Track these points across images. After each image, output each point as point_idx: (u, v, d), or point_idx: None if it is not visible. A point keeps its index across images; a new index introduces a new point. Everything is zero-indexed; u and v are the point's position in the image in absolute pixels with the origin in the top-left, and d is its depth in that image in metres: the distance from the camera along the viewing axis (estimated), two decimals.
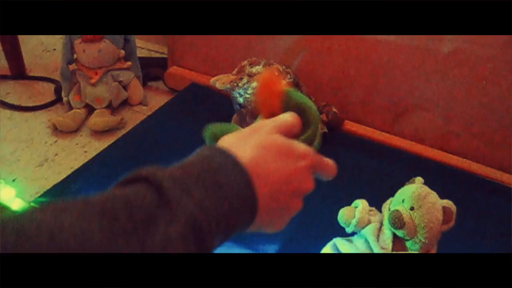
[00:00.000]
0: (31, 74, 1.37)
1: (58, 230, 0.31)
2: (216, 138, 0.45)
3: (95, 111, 1.18)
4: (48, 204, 0.33)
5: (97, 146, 1.12)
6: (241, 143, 0.41)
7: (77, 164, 1.03)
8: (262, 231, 0.43)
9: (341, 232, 0.78)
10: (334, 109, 1.09)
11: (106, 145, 1.08)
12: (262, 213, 0.40)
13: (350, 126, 1.12)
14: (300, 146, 0.44)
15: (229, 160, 0.39)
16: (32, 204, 0.90)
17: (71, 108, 1.20)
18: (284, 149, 0.42)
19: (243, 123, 0.97)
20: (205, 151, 0.40)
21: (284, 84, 0.48)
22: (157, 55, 1.45)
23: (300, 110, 0.48)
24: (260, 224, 0.41)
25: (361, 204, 0.76)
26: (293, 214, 0.44)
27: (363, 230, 0.74)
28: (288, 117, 0.46)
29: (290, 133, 0.45)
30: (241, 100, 0.93)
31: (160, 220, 0.34)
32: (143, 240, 0.33)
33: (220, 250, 0.40)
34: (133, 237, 0.33)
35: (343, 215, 0.76)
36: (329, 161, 0.48)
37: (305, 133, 0.48)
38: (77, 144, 1.14)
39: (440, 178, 0.92)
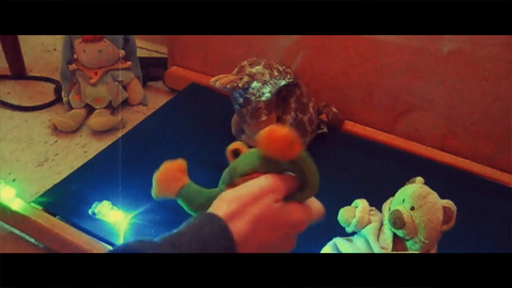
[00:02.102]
0: (31, 74, 1.37)
1: None
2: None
3: (95, 111, 1.18)
4: None
5: (97, 146, 1.12)
6: (241, 215, 0.45)
7: (77, 164, 1.03)
8: None
9: (341, 232, 0.78)
10: (334, 109, 1.09)
11: (106, 145, 1.08)
12: None
13: (350, 126, 1.12)
14: (296, 216, 0.49)
15: (223, 240, 0.43)
16: (32, 204, 0.90)
17: (71, 108, 1.20)
18: (279, 221, 0.47)
19: (243, 123, 0.97)
20: (200, 223, 0.44)
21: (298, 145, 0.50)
22: (157, 55, 1.45)
23: (302, 173, 0.52)
24: None
25: (361, 204, 0.76)
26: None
27: (363, 230, 0.74)
28: (290, 182, 0.50)
29: (288, 193, 0.50)
30: (241, 100, 0.93)
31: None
32: None
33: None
34: None
35: (343, 215, 0.76)
36: (319, 212, 0.54)
37: (303, 193, 0.52)
38: (77, 144, 1.14)
39: (440, 178, 0.92)
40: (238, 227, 0.44)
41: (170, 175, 0.54)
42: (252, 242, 0.45)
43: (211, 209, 0.46)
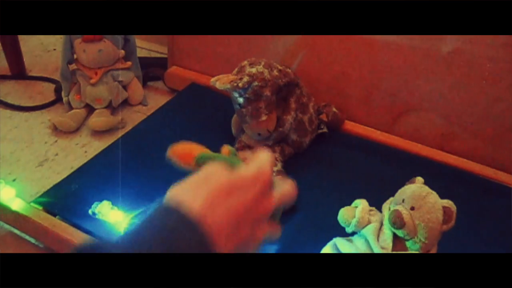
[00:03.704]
0: (31, 74, 1.37)
1: None
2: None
3: (95, 111, 1.18)
4: None
5: (97, 146, 1.12)
6: (192, 195, 0.40)
7: (77, 164, 1.03)
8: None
9: (341, 232, 0.78)
10: (334, 109, 1.09)
11: (106, 145, 1.08)
12: (221, 249, 0.39)
13: (350, 126, 1.12)
14: (247, 173, 0.43)
15: (183, 223, 0.38)
16: (32, 204, 0.90)
17: (71, 108, 1.20)
18: (230, 186, 0.41)
19: (243, 123, 0.97)
20: (157, 213, 0.39)
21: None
22: (157, 55, 1.45)
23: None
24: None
25: (361, 204, 0.76)
26: (262, 239, 0.44)
27: (363, 230, 0.74)
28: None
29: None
30: (241, 100, 0.93)
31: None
32: None
33: None
34: None
35: (343, 215, 0.76)
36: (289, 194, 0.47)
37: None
38: (77, 144, 1.14)
39: (440, 178, 0.92)
40: (192, 204, 0.39)
41: (185, 147, 0.53)
42: (216, 213, 0.39)
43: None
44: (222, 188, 0.41)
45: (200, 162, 0.50)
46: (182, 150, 0.53)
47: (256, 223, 0.42)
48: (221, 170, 0.43)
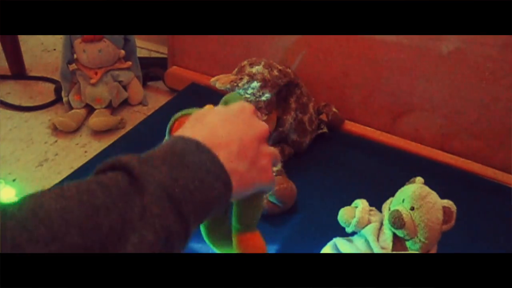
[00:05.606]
0: (31, 74, 1.37)
1: (39, 207, 0.32)
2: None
3: (95, 111, 1.18)
4: (26, 195, 0.34)
5: (97, 146, 1.12)
6: (193, 126, 0.44)
7: (77, 164, 1.03)
8: (253, 190, 0.45)
9: (341, 232, 0.78)
10: (334, 109, 1.09)
11: (106, 145, 1.08)
12: (236, 176, 0.42)
13: (350, 126, 1.12)
14: (234, 105, 0.48)
15: (189, 143, 0.41)
16: None
17: (71, 108, 1.20)
18: (224, 113, 0.46)
19: None
20: (165, 141, 0.42)
21: None
22: (157, 55, 1.45)
23: None
24: (242, 187, 0.43)
25: (361, 204, 0.76)
26: (270, 161, 0.47)
27: (363, 230, 0.74)
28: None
29: None
30: None
31: (134, 194, 0.36)
32: (124, 212, 0.34)
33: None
34: (113, 209, 0.34)
35: (343, 215, 0.76)
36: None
37: None
38: (77, 144, 1.14)
39: (440, 178, 0.92)
40: (196, 132, 0.43)
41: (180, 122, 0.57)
42: (219, 135, 0.43)
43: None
44: (220, 117, 0.45)
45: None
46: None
47: (256, 142, 0.45)
48: (210, 109, 0.47)
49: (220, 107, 0.49)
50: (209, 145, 0.41)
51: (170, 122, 0.58)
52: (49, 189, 0.35)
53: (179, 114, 0.56)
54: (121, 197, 0.35)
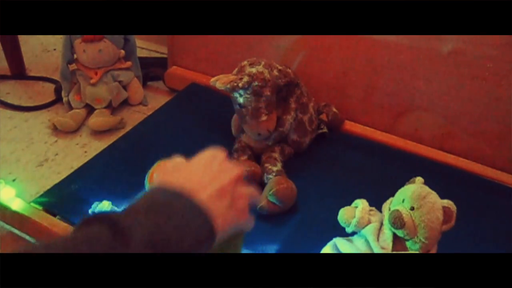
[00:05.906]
0: (31, 74, 1.37)
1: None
2: None
3: (95, 111, 1.18)
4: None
5: (97, 146, 1.12)
6: (170, 174, 0.45)
7: (77, 164, 1.03)
8: (232, 230, 0.45)
9: (341, 232, 0.78)
10: (334, 109, 1.09)
11: (106, 145, 1.08)
12: (219, 217, 0.42)
13: (350, 126, 1.12)
14: (206, 153, 0.48)
15: (169, 192, 0.42)
16: (32, 204, 0.90)
17: (71, 108, 1.20)
18: (198, 161, 0.47)
19: (243, 123, 0.97)
20: (145, 193, 0.43)
21: None
22: (157, 55, 1.45)
23: None
24: (225, 227, 0.43)
25: (361, 204, 0.76)
26: (246, 201, 0.47)
27: (363, 230, 0.74)
28: None
29: None
30: (241, 100, 0.93)
31: (118, 247, 0.37)
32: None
33: None
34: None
35: (343, 215, 0.76)
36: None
37: None
38: (77, 144, 1.14)
39: (440, 178, 0.92)
40: (175, 182, 0.43)
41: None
42: (196, 181, 0.43)
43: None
44: (196, 166, 0.46)
45: None
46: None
47: (233, 183, 0.45)
48: (182, 160, 0.48)
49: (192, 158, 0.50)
50: (188, 190, 0.42)
51: (149, 172, 0.61)
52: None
53: (156, 164, 0.57)
54: (105, 251, 0.36)
